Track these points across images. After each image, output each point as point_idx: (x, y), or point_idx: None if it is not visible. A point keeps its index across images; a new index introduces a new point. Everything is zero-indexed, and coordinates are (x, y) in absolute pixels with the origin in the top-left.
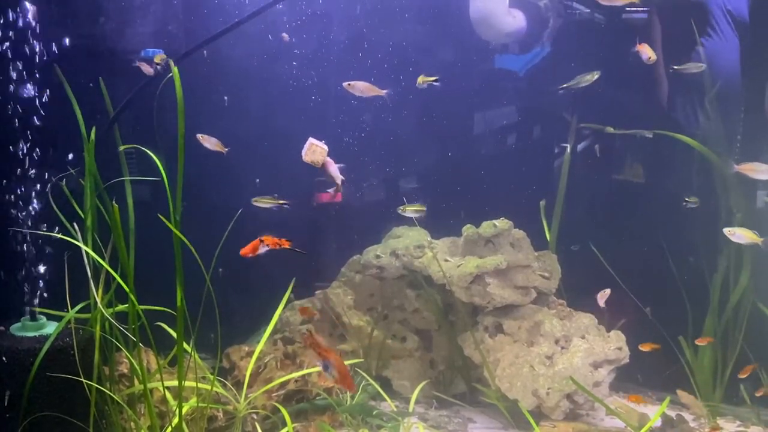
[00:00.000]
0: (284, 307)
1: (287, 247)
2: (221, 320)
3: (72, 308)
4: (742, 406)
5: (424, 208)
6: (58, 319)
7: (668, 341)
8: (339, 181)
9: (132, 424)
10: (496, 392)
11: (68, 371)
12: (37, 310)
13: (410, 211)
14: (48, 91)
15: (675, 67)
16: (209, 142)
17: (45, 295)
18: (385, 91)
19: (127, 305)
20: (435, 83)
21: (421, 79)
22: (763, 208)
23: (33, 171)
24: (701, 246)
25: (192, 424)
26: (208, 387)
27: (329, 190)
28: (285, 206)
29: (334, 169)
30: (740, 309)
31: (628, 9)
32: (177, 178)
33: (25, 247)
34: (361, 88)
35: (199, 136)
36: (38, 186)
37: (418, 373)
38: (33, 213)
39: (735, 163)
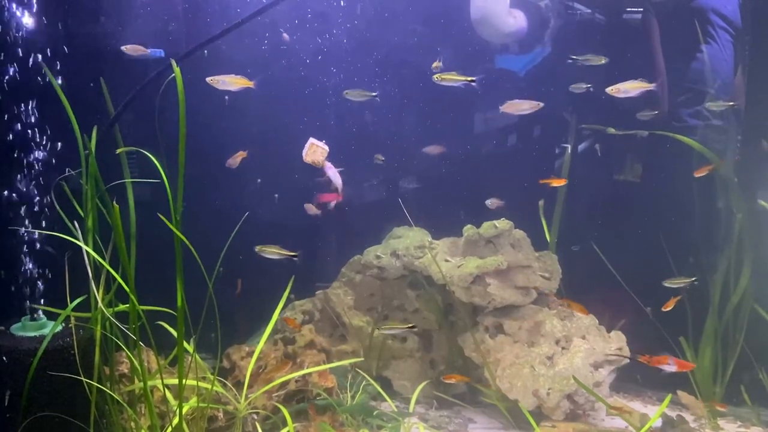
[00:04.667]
0: (284, 307)
1: None
2: (221, 320)
3: (72, 310)
4: (743, 407)
5: None
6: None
7: (668, 341)
8: (339, 187)
9: (132, 424)
10: (496, 392)
11: (68, 371)
12: (40, 308)
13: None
14: (51, 89)
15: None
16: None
17: (46, 295)
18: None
19: (127, 305)
20: (472, 83)
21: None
22: (763, 209)
23: (34, 171)
24: (701, 246)
25: (192, 424)
26: (209, 387)
27: (331, 203)
28: (294, 258)
29: (333, 173)
30: (740, 309)
31: (628, 10)
32: (178, 178)
33: (25, 247)
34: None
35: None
36: (39, 186)
37: (419, 374)
38: (34, 213)
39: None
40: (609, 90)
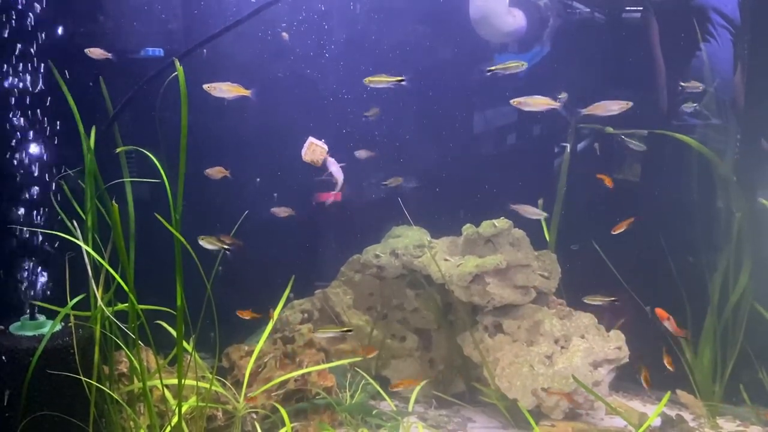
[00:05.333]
0: (283, 307)
1: None
2: (220, 320)
3: (71, 309)
4: (742, 406)
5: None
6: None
7: (668, 341)
8: (340, 181)
9: (131, 423)
10: (495, 392)
11: (68, 370)
12: (39, 305)
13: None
14: (50, 89)
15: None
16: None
17: (45, 295)
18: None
19: (126, 304)
20: (402, 82)
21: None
22: (763, 208)
23: (34, 170)
24: (701, 246)
25: (191, 423)
26: (207, 386)
27: (332, 194)
28: (227, 250)
29: (336, 169)
30: (740, 308)
31: (628, 9)
32: (177, 177)
33: (25, 246)
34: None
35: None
36: (39, 186)
37: (418, 373)
38: (34, 213)
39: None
40: (513, 102)
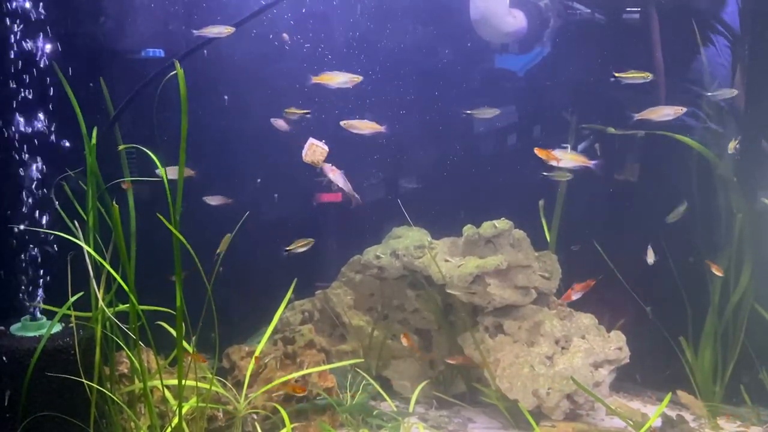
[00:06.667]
0: (285, 308)
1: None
2: (221, 320)
3: (72, 310)
4: (743, 407)
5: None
6: (60, 319)
7: (668, 341)
8: (347, 189)
9: (132, 423)
10: (496, 392)
11: (68, 371)
12: (40, 306)
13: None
14: (50, 89)
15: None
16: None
17: (46, 295)
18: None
19: (127, 305)
20: (306, 115)
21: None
22: (763, 209)
23: (35, 171)
24: (701, 246)
25: (192, 423)
26: (208, 386)
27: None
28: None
29: (335, 176)
30: (740, 309)
31: (628, 10)
32: (177, 178)
33: (26, 247)
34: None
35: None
36: (40, 186)
37: (419, 373)
38: (34, 213)
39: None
40: (342, 124)
